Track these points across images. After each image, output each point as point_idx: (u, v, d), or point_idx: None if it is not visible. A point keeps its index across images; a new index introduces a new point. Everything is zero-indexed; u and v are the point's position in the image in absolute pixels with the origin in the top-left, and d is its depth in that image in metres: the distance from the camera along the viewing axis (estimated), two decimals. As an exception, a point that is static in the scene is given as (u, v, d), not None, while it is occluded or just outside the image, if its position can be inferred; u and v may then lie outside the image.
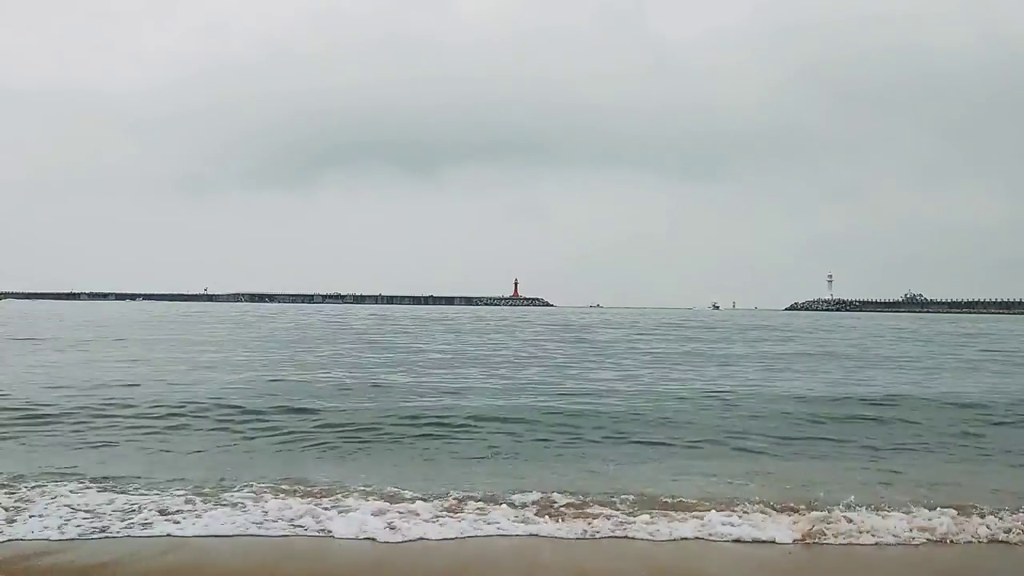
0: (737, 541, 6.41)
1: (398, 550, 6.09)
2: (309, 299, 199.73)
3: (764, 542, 6.38)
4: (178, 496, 7.30)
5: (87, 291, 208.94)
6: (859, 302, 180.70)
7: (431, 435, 10.91)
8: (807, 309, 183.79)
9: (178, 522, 6.59)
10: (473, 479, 8.34)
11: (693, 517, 6.87)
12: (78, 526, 6.49)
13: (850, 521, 6.76)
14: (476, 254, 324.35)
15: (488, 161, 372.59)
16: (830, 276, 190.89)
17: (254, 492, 7.53)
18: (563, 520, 6.79)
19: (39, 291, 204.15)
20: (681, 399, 14.69)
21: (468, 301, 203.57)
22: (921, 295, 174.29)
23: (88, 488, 7.59)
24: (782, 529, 6.56)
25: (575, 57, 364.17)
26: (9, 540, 6.18)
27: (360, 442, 10.42)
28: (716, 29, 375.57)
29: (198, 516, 6.72)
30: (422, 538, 6.32)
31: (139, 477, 8.17)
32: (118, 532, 6.39)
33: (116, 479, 8.02)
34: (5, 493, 7.35)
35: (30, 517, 6.67)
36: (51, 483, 7.75)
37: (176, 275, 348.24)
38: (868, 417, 13.11)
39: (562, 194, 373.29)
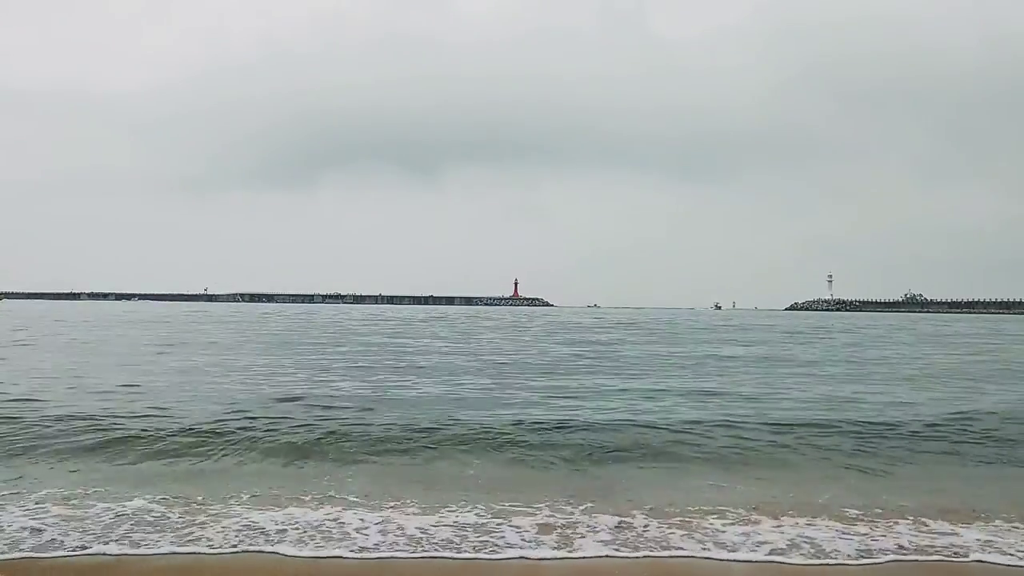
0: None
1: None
2: (309, 299, 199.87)
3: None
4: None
5: (87, 291, 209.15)
6: (859, 302, 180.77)
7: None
8: (807, 309, 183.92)
9: None
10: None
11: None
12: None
13: None
14: (476, 254, 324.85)
15: (488, 161, 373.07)
16: (830, 276, 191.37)
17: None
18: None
19: (39, 291, 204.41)
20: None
21: (468, 301, 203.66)
22: (921, 295, 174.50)
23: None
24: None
25: (575, 57, 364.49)
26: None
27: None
28: (716, 29, 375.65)
29: None
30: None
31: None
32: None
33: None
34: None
35: None
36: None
37: (176, 275, 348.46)
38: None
39: (562, 194, 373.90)
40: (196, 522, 6.61)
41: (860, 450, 9.98)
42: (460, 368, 19.95)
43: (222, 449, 9.46)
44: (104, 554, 5.97)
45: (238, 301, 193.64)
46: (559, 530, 6.54)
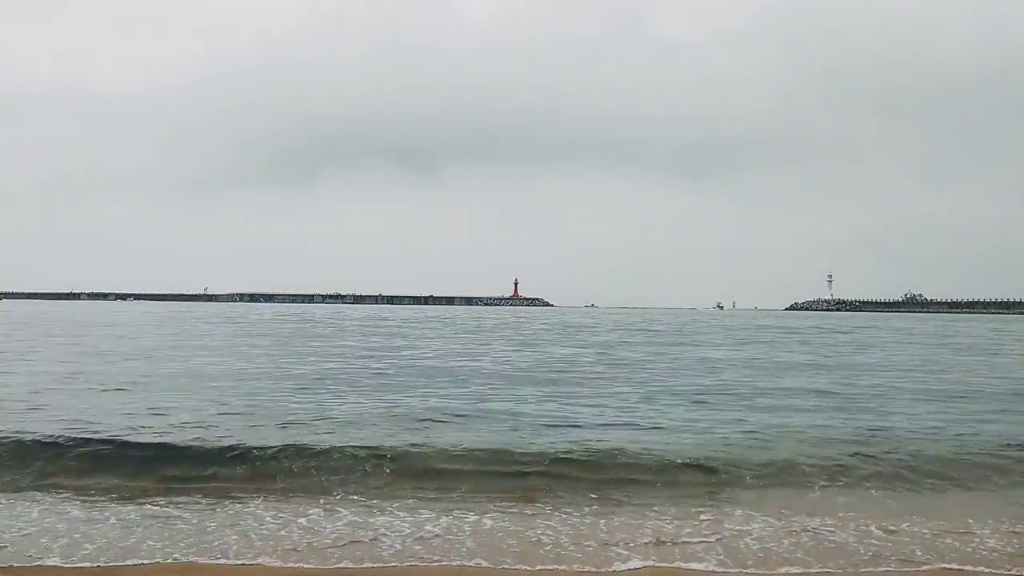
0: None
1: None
2: (309, 299, 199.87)
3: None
4: None
5: (87, 291, 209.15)
6: (859, 302, 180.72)
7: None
8: (807, 309, 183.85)
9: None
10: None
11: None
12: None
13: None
14: (476, 254, 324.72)
15: (488, 161, 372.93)
16: (830, 276, 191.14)
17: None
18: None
19: (39, 291, 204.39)
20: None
21: (468, 301, 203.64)
22: (921, 295, 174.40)
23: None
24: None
25: (578, 63, 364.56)
26: None
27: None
28: (718, 33, 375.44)
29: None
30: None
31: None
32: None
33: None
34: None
35: None
36: None
37: (176, 275, 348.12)
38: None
39: (562, 194, 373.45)
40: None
41: None
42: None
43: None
44: (104, 564, 6.05)
45: (236, 301, 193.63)
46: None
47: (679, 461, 9.30)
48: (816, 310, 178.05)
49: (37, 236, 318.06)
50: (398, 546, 6.53)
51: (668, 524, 7.24)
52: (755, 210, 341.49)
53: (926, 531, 7.11)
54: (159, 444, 9.64)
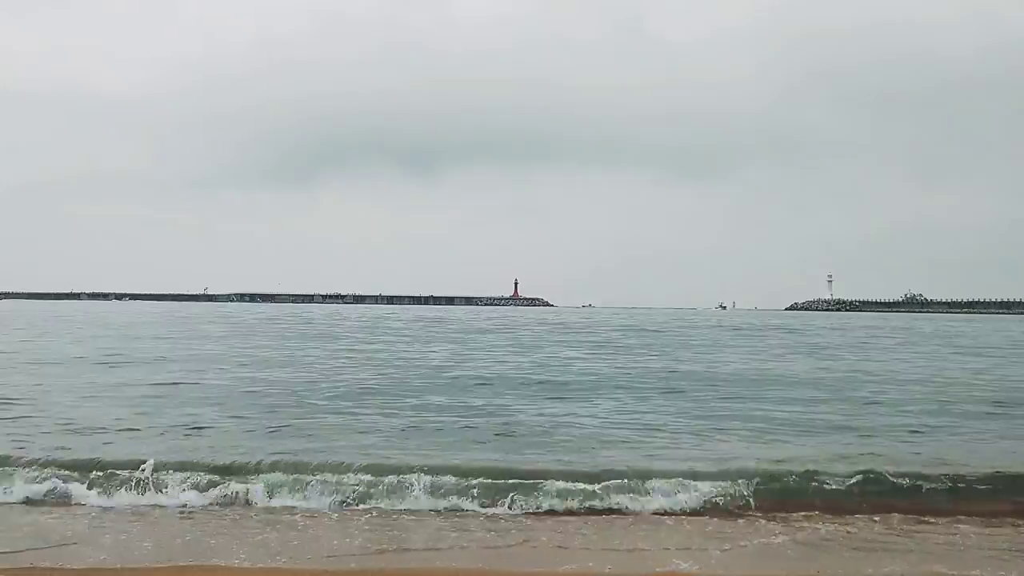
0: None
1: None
2: (309, 299, 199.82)
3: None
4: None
5: (87, 291, 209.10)
6: (859, 302, 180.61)
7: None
8: (807, 309, 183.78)
9: None
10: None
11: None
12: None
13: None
14: (476, 254, 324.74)
15: (488, 161, 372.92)
16: (830, 276, 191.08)
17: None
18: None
19: (39, 291, 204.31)
20: None
21: (468, 301, 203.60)
22: (921, 295, 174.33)
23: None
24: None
25: (576, 60, 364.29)
26: None
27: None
28: (718, 32, 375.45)
29: None
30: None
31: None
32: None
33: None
34: None
35: None
36: None
37: (176, 275, 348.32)
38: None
39: (562, 194, 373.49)
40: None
41: None
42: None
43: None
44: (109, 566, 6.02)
45: (233, 301, 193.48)
46: None
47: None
48: (816, 310, 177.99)
49: (37, 235, 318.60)
50: None
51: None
52: (755, 210, 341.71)
53: None
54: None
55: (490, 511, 7.93)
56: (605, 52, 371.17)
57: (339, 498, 8.05)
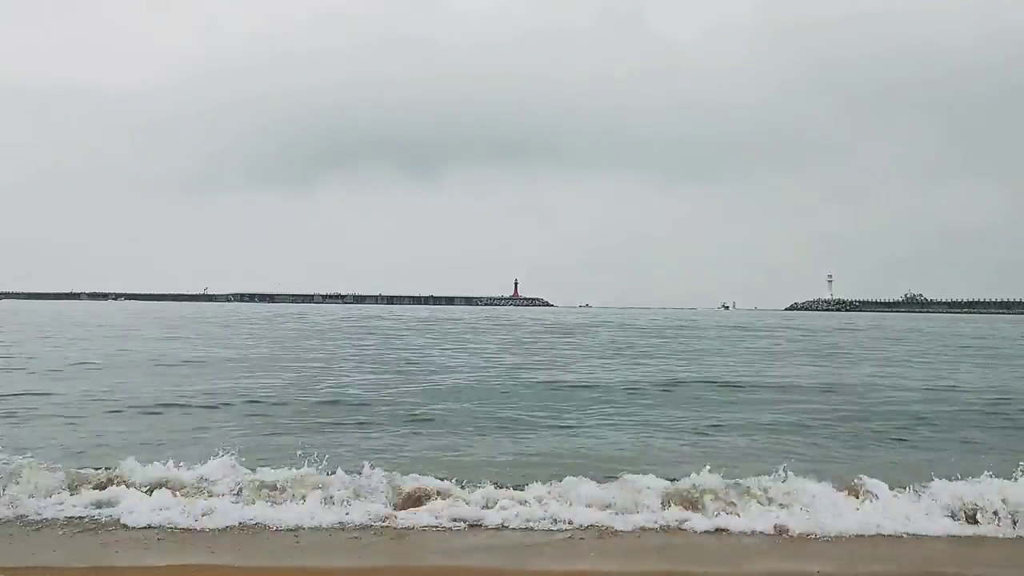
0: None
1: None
2: (309, 299, 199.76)
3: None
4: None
5: (87, 291, 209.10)
6: (859, 302, 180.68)
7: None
8: (807, 309, 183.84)
9: None
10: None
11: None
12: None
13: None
14: (476, 254, 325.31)
15: (488, 161, 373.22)
16: (830, 276, 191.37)
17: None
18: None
19: (39, 291, 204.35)
20: None
21: (468, 301, 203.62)
22: (921, 295, 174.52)
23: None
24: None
25: (576, 57, 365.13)
26: None
27: None
28: (717, 29, 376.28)
29: None
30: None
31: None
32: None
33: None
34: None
35: None
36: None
37: (176, 275, 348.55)
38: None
39: (562, 194, 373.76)
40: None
41: None
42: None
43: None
44: (108, 566, 5.99)
45: (230, 301, 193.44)
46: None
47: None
48: (816, 310, 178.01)
49: (35, 235, 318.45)
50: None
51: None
52: (755, 210, 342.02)
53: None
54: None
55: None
56: (604, 46, 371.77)
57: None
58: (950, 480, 7.42)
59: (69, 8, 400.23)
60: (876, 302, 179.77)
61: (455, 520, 6.76)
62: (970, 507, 7.04)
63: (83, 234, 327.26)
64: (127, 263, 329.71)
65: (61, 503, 6.97)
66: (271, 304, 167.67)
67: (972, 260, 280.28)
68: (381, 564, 6.03)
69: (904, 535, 6.71)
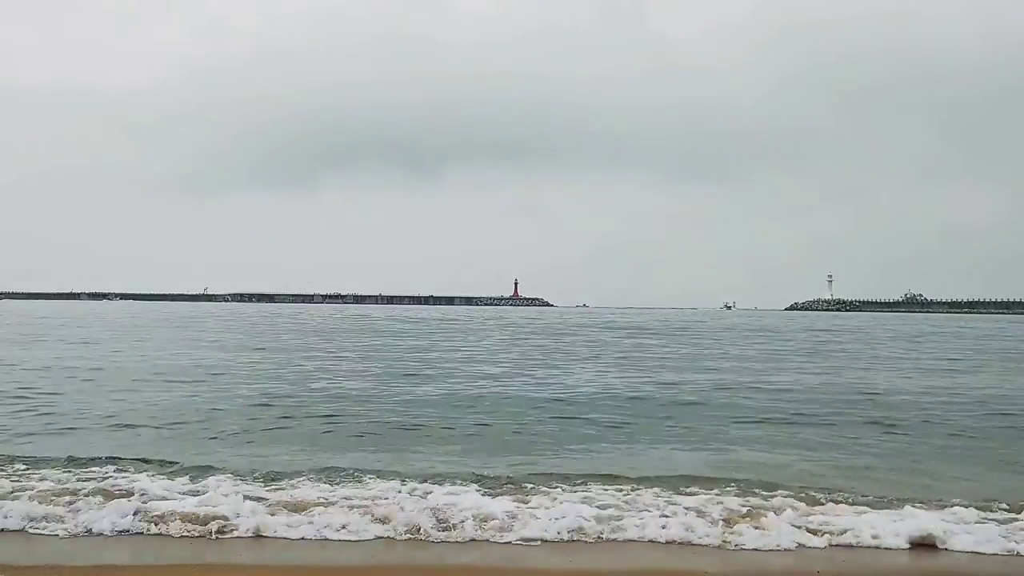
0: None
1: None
2: (309, 299, 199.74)
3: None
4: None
5: (87, 291, 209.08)
6: (859, 302, 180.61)
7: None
8: (807, 309, 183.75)
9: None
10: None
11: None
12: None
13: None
14: (476, 254, 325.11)
15: (488, 161, 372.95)
16: (830, 276, 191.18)
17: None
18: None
19: (39, 291, 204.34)
20: None
21: (468, 301, 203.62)
22: (921, 295, 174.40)
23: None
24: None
25: (575, 57, 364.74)
26: None
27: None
28: (717, 29, 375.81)
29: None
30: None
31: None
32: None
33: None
34: None
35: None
36: None
37: (176, 275, 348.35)
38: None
39: (562, 194, 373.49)
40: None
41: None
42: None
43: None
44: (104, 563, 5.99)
45: (228, 301, 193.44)
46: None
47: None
48: (816, 310, 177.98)
49: (35, 235, 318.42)
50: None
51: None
52: (755, 210, 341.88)
53: None
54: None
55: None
56: (604, 46, 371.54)
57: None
58: None
59: (69, 8, 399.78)
60: (876, 302, 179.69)
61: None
62: None
63: (83, 234, 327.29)
64: (127, 263, 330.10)
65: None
66: (271, 304, 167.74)
67: (972, 260, 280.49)
68: (391, 562, 6.06)
69: None
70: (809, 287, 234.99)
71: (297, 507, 7.16)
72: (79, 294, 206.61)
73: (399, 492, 7.71)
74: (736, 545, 6.53)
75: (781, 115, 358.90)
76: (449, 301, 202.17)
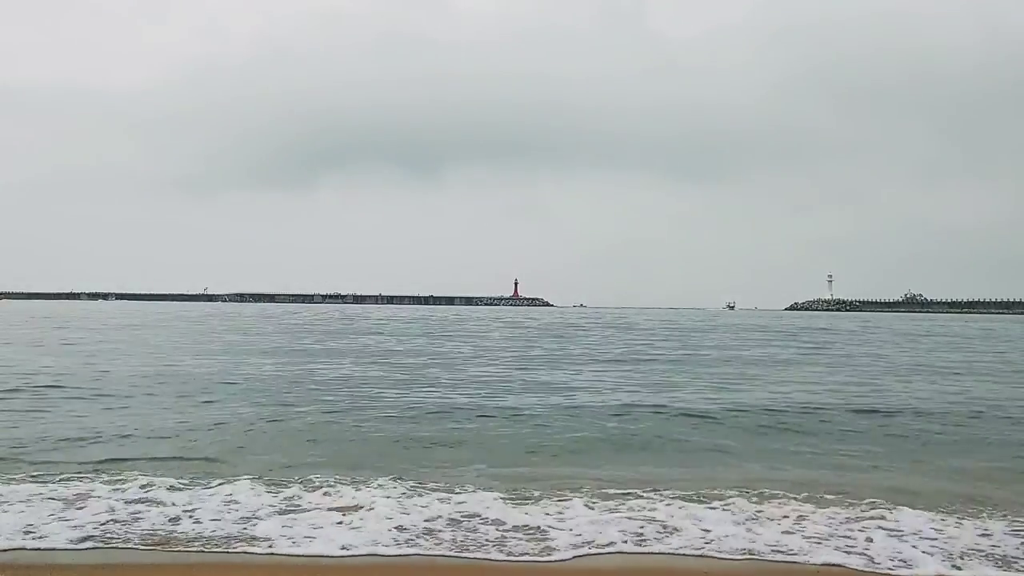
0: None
1: None
2: (309, 299, 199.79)
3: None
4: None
5: (87, 291, 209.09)
6: (859, 302, 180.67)
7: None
8: (807, 309, 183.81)
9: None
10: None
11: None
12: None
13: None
14: (476, 254, 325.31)
15: (488, 161, 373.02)
16: (830, 276, 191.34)
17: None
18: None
19: (39, 291, 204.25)
20: None
21: (468, 301, 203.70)
22: (921, 295, 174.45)
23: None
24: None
25: (575, 56, 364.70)
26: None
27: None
28: (717, 28, 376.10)
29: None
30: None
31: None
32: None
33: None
34: None
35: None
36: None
37: (176, 275, 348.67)
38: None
39: (562, 194, 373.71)
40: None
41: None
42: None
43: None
44: (103, 562, 5.93)
45: (225, 301, 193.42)
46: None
47: None
48: (816, 310, 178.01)
49: (35, 235, 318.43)
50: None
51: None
52: (755, 210, 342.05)
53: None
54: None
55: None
56: (604, 45, 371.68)
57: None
58: None
59: (69, 8, 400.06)
60: (876, 302, 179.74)
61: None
62: None
63: (83, 234, 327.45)
64: (127, 263, 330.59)
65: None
66: (271, 304, 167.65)
67: (972, 260, 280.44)
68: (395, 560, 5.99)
69: None
70: (809, 287, 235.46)
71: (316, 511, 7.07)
72: (79, 294, 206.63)
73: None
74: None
75: (781, 115, 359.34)
76: (449, 301, 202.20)
